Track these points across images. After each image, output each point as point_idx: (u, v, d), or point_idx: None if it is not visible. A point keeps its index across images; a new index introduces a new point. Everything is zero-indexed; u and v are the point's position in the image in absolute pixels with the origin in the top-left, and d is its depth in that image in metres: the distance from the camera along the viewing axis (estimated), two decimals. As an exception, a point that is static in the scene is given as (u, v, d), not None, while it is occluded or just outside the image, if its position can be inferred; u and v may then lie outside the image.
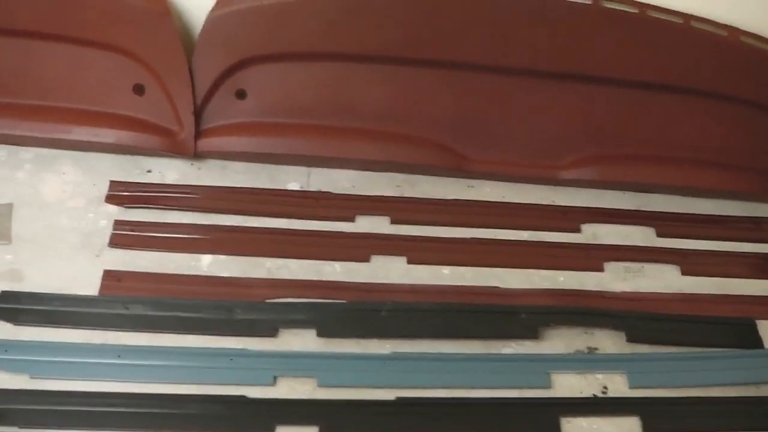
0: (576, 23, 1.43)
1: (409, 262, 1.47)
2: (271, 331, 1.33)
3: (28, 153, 1.54)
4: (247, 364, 1.28)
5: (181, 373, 1.26)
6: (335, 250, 1.47)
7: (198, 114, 1.50)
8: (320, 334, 1.33)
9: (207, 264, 1.43)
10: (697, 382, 1.35)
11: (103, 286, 1.36)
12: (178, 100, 1.48)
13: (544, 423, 1.27)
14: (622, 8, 1.42)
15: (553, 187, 1.62)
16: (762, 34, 1.46)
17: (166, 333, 1.31)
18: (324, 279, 1.43)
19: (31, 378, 1.24)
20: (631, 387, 1.33)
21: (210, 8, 1.41)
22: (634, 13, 1.42)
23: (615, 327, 1.40)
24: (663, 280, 1.51)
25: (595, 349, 1.38)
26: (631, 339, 1.39)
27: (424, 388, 1.29)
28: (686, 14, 1.43)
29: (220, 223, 1.48)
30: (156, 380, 1.25)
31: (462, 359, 1.33)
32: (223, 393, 1.25)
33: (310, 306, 1.37)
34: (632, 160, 1.60)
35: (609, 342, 1.39)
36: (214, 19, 1.41)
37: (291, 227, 1.50)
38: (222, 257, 1.44)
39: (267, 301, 1.37)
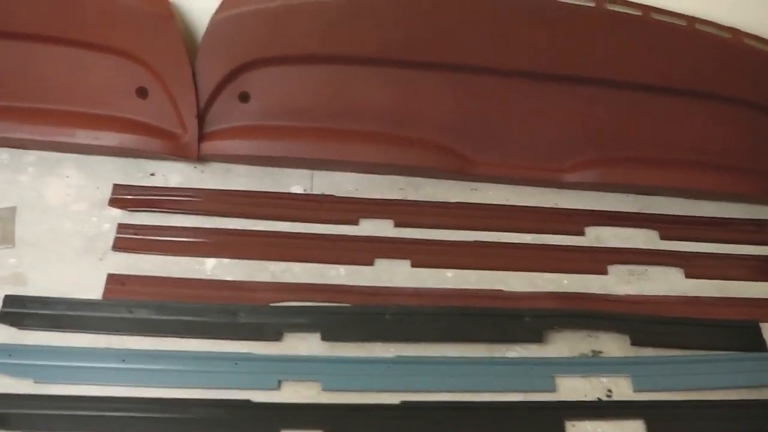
0: (579, 26, 1.43)
1: (413, 265, 1.47)
2: (275, 335, 1.33)
3: (31, 156, 1.54)
4: (251, 368, 1.28)
5: (186, 378, 1.26)
6: (339, 253, 1.47)
7: (201, 117, 1.50)
8: (325, 338, 1.33)
9: (211, 267, 1.42)
10: (702, 385, 1.35)
11: (107, 290, 1.36)
12: (182, 103, 1.48)
13: (549, 427, 1.27)
14: (625, 11, 1.42)
15: (556, 190, 1.62)
16: (765, 37, 1.46)
17: (170, 337, 1.31)
18: (328, 282, 1.43)
19: (35, 382, 1.23)
20: (636, 390, 1.33)
21: (213, 11, 1.41)
22: (637, 15, 1.42)
23: (619, 330, 1.40)
24: (667, 282, 1.51)
25: (600, 352, 1.38)
26: (636, 342, 1.39)
27: (429, 391, 1.29)
28: (690, 17, 1.43)
29: (224, 227, 1.48)
30: (160, 384, 1.25)
31: (466, 363, 1.33)
32: (228, 397, 1.25)
33: (314, 310, 1.37)
34: (635, 162, 1.60)
35: (613, 345, 1.39)
36: (217, 22, 1.41)
37: (294, 230, 1.50)
38: (226, 261, 1.43)
39: (271, 304, 1.37)
